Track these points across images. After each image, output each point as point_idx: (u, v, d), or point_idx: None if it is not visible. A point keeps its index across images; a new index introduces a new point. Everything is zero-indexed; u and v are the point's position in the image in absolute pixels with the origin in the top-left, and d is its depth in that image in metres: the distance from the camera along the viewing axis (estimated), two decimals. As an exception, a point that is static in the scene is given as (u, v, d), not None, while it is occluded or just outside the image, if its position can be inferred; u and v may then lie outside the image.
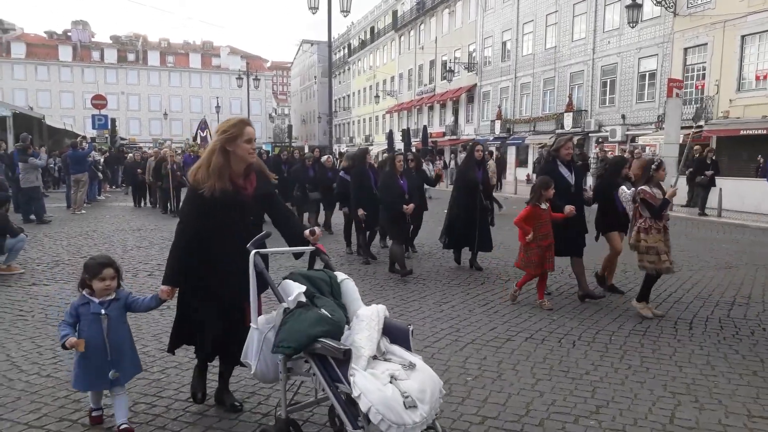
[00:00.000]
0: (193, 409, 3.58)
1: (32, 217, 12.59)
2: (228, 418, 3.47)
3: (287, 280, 3.07)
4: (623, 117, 25.92)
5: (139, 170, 16.92)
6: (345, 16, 21.01)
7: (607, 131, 26.56)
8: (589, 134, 28.11)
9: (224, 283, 3.34)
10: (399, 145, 35.99)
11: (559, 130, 29.61)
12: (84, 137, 17.75)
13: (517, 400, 3.78)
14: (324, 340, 2.64)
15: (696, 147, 17.73)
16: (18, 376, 4.06)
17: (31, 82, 68.63)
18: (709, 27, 21.39)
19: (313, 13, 19.83)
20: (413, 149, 21.68)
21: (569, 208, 5.90)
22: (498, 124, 35.30)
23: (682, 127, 19.82)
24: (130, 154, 21.51)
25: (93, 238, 10.84)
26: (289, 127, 54.57)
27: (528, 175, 30.85)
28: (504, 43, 35.51)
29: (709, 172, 15.69)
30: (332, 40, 22.31)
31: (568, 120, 28.99)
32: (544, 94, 31.93)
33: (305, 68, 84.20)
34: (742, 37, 20.47)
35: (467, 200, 7.88)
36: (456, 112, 42.14)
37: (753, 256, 9.61)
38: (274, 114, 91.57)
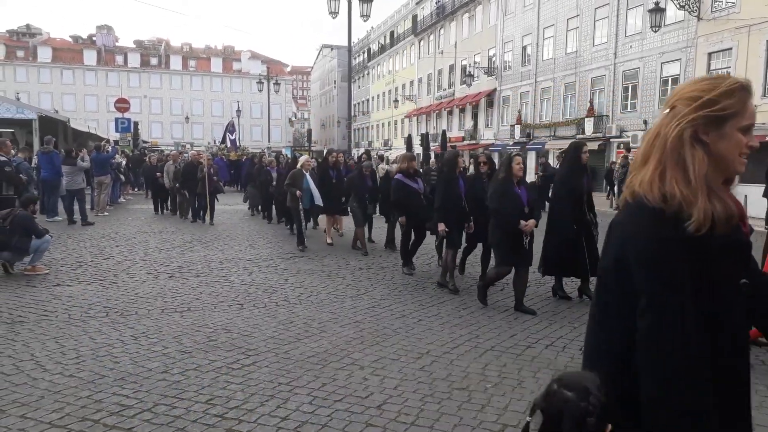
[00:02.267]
0: (213, 412, 3.59)
1: (76, 217, 12.81)
2: (247, 421, 3.49)
3: None
4: (645, 122, 25.57)
5: (158, 174, 16.00)
6: (365, 21, 21.07)
7: (628, 136, 26.23)
8: (611, 139, 27.81)
9: None
10: (418, 149, 36.02)
11: (580, 135, 29.35)
12: (108, 141, 17.96)
13: (538, 408, 3.73)
14: None
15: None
16: (42, 375, 4.12)
17: (56, 85, 69.97)
18: (733, 31, 21.04)
19: (333, 18, 19.94)
20: (428, 153, 21.62)
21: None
22: (518, 128, 35.08)
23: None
24: (149, 156, 21.19)
25: (115, 239, 10.99)
26: (309, 131, 54.82)
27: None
28: (524, 48, 35.31)
29: None
30: (352, 44, 22.39)
31: (588, 125, 28.70)
32: (565, 99, 31.66)
33: (325, 73, 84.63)
34: (768, 41, 20.11)
35: (573, 215, 6.39)
36: (475, 117, 41.99)
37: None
38: (293, 118, 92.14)
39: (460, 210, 7.02)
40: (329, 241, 10.77)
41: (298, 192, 9.86)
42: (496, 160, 10.80)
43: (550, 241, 6.62)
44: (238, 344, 4.89)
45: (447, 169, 7.20)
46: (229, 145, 28.27)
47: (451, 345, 4.96)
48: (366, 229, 10.61)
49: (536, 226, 6.03)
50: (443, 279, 7.18)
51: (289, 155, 21.06)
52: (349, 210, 10.58)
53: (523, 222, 5.89)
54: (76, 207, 13.08)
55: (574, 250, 6.36)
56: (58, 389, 3.89)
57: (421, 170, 10.17)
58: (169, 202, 16.38)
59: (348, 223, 11.40)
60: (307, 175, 10.11)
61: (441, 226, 6.93)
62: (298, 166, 10.44)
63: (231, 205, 18.29)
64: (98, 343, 4.85)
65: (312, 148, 49.63)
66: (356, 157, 18.56)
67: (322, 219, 11.90)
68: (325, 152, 11.95)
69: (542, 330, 5.44)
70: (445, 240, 7.19)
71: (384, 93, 62.12)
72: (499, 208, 6.00)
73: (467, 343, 5.01)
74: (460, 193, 7.05)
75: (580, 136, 29.18)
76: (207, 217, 13.87)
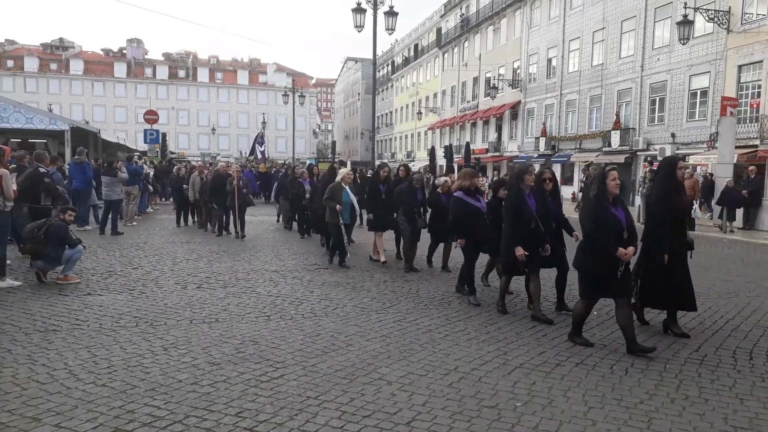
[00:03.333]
0: (243, 425, 3.61)
1: (107, 228, 13.07)
2: (276, 435, 3.49)
3: None
4: (673, 135, 25.22)
5: (184, 186, 15.63)
6: (390, 34, 21.22)
7: (656, 150, 25.86)
8: (637, 152, 27.45)
9: None
10: (441, 161, 35.98)
11: (606, 148, 29.04)
12: (138, 155, 18.21)
13: (569, 428, 3.67)
14: None
15: (751, 167, 17.12)
16: (75, 385, 4.19)
17: (87, 97, 71.73)
18: (764, 44, 20.68)
19: (359, 32, 20.12)
20: (451, 165, 21.52)
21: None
22: (543, 141, 34.85)
23: (736, 147, 19.16)
24: (176, 167, 21.20)
25: (144, 249, 11.16)
26: (333, 143, 55.22)
27: (573, 194, 30.28)
28: (549, 60, 35.16)
29: (744, 191, 15.63)
30: (376, 57, 22.54)
31: (615, 138, 28.38)
32: (591, 112, 31.39)
33: (349, 85, 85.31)
34: (801, 54, 19.73)
35: (673, 238, 5.64)
36: (499, 129, 41.84)
37: (816, 283, 9.14)
38: (317, 130, 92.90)
39: (533, 231, 6.27)
40: (382, 259, 10.04)
41: (338, 206, 9.49)
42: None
43: (648, 269, 5.84)
44: (266, 356, 4.92)
45: (515, 183, 6.43)
46: (258, 156, 28.30)
47: (479, 361, 4.91)
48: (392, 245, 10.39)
49: (635, 254, 5.37)
50: (501, 303, 6.75)
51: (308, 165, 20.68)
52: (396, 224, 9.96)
53: (621, 249, 5.06)
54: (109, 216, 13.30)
55: (677, 278, 5.71)
56: (91, 398, 3.95)
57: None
58: (195, 215, 16.12)
59: (388, 235, 10.65)
60: (347, 188, 9.73)
61: (519, 251, 6.16)
62: (338, 179, 10.02)
63: (256, 216, 18.45)
64: (129, 353, 4.92)
65: (338, 159, 49.92)
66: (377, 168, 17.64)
67: (360, 235, 11.77)
68: (377, 166, 11.44)
69: (571, 348, 5.36)
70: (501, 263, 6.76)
71: (407, 105, 62.34)
72: (594, 231, 5.22)
73: (495, 360, 4.96)
74: (533, 212, 6.25)
75: (607, 148, 28.91)
76: (237, 231, 13.37)
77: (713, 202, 17.85)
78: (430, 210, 9.64)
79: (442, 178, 10.09)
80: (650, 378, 4.61)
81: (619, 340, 5.58)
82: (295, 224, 14.82)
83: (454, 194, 7.40)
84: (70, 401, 3.90)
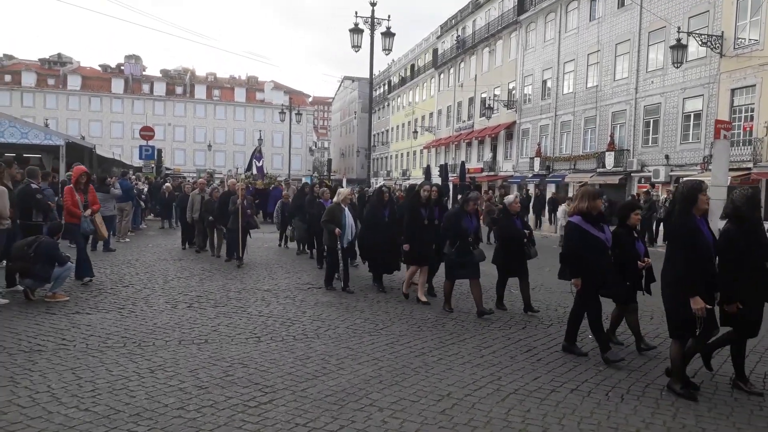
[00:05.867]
0: (228, 453, 3.50)
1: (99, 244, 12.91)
2: (263, 463, 3.38)
3: None
4: (667, 157, 25.35)
5: (174, 204, 14.73)
6: (386, 54, 21.39)
7: (650, 171, 25.98)
8: (632, 173, 27.57)
9: None
10: (436, 179, 36.03)
11: (601, 169, 29.16)
12: (129, 171, 18.15)
13: (564, 458, 3.58)
14: None
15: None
16: (57, 409, 4.07)
17: (84, 112, 71.77)
18: (757, 68, 20.91)
19: (356, 52, 20.25)
20: (446, 184, 21.53)
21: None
22: (537, 161, 34.99)
23: (730, 169, 19.24)
24: (167, 185, 20.21)
25: (135, 266, 11.04)
26: (329, 160, 55.26)
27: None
28: (544, 82, 35.45)
29: None
30: (373, 77, 22.67)
31: (609, 159, 28.51)
32: (585, 133, 31.58)
33: (346, 103, 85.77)
34: (793, 78, 19.92)
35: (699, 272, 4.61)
36: (494, 149, 42.04)
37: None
38: (314, 147, 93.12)
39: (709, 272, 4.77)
40: (424, 299, 8.30)
41: (336, 230, 9.00)
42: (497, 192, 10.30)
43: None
44: (255, 380, 4.81)
45: (685, 208, 4.71)
46: (255, 172, 27.70)
47: (473, 387, 4.82)
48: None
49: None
50: (611, 358, 5.56)
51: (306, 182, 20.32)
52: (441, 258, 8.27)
53: (700, 301, 4.46)
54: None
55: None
56: (72, 424, 3.83)
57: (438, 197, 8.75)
58: (196, 236, 14.05)
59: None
60: (346, 209, 9.24)
61: (698, 303, 4.54)
62: (336, 199, 9.49)
63: (252, 236, 18.27)
64: (115, 376, 4.81)
65: (332, 176, 49.87)
66: (377, 186, 15.94)
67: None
68: (417, 185, 9.21)
69: (566, 373, 5.28)
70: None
71: (403, 124, 62.66)
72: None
73: (489, 385, 4.87)
74: (710, 246, 4.74)
75: (601, 169, 29.02)
76: (238, 255, 11.80)
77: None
78: (495, 239, 8.59)
79: (511, 196, 8.52)
80: (646, 405, 4.53)
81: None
82: (311, 250, 13.23)
83: (570, 220, 5.85)
84: (50, 427, 3.78)
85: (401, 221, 8.86)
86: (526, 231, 8.18)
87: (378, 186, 10.15)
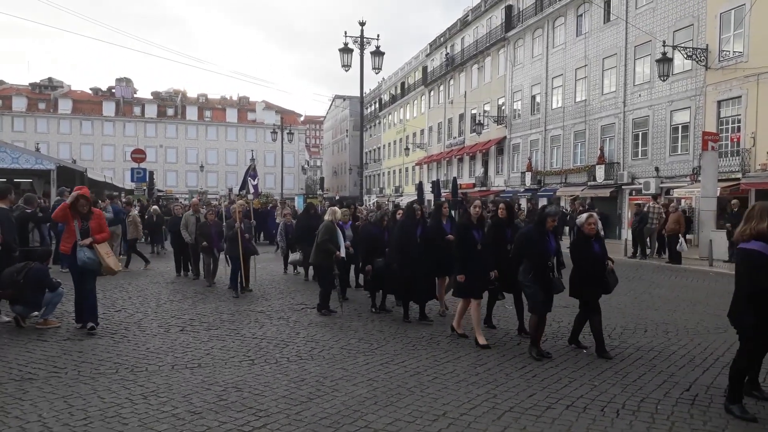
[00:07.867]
0: (222, 480, 3.46)
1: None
2: (257, 490, 3.35)
3: None
4: (656, 169, 25.57)
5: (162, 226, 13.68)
6: (376, 73, 21.58)
7: (640, 183, 26.18)
8: (622, 186, 27.75)
9: None
10: (428, 196, 36.14)
11: (591, 182, 29.35)
12: (120, 195, 18.12)
13: (561, 477, 3.56)
14: None
15: (734, 201, 17.32)
16: (48, 439, 4.02)
17: (75, 135, 71.76)
18: (742, 80, 21.21)
19: (346, 71, 20.43)
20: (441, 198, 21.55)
21: None
22: (528, 175, 35.20)
23: (719, 180, 19.43)
24: (154, 207, 19.66)
25: (127, 290, 10.97)
26: (321, 179, 55.44)
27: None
28: (533, 97, 35.80)
29: (728, 224, 15.88)
30: (364, 95, 22.84)
31: (600, 172, 28.72)
32: (575, 147, 31.83)
33: (337, 122, 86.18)
34: (778, 89, 20.20)
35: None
36: (486, 164, 42.28)
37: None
38: (306, 166, 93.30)
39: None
40: (483, 341, 6.83)
41: (338, 253, 8.74)
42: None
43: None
44: (249, 404, 4.77)
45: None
46: (251, 191, 27.46)
47: (468, 405, 4.80)
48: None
49: None
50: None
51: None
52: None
53: None
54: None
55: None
56: (64, 454, 3.78)
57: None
58: (192, 264, 13.09)
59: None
60: (338, 230, 9.07)
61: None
62: (329, 217, 9.05)
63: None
64: (107, 403, 4.76)
65: (325, 195, 49.98)
66: (372, 204, 15.35)
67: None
68: (468, 200, 8.00)
69: (562, 389, 5.27)
70: None
71: (395, 141, 62.99)
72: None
73: (485, 404, 4.85)
74: None
75: (592, 182, 29.22)
76: (242, 284, 10.95)
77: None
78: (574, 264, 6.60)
79: (584, 215, 6.71)
80: (642, 420, 4.53)
81: (610, 380, 5.51)
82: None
83: (747, 247, 4.69)
84: (42, 457, 3.74)
85: (397, 244, 8.23)
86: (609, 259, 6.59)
87: (409, 202, 8.85)
